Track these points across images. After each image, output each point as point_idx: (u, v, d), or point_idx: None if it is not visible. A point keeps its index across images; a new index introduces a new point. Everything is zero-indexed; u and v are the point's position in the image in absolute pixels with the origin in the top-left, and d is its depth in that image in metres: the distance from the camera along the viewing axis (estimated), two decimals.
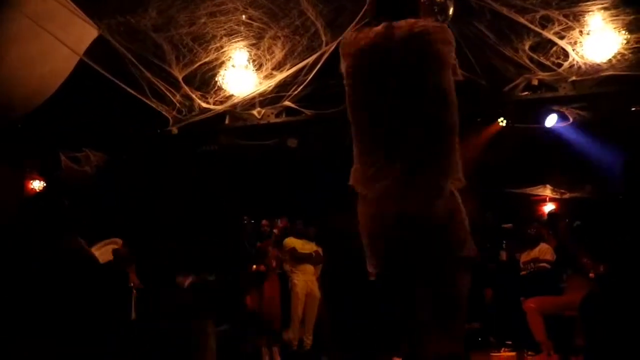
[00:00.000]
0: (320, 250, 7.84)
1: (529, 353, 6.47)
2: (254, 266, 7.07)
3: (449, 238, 1.91)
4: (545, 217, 9.29)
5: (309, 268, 7.64)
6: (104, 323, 2.14)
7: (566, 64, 5.95)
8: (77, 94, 6.23)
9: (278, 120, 7.01)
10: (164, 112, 6.56)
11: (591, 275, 6.26)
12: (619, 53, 5.66)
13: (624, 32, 5.45)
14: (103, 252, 2.70)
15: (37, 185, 7.86)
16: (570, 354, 6.15)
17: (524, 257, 7.31)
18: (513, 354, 7.05)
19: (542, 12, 5.17)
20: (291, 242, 7.65)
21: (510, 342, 7.19)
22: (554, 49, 5.80)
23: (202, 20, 5.34)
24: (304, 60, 5.87)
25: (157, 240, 7.52)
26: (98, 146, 7.43)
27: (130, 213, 7.32)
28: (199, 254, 7.32)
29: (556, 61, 5.97)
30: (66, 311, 2.03)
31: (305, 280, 7.58)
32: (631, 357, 3.33)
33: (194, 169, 8.35)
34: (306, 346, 7.57)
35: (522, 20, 5.22)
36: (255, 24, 5.46)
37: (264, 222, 7.76)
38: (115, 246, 2.73)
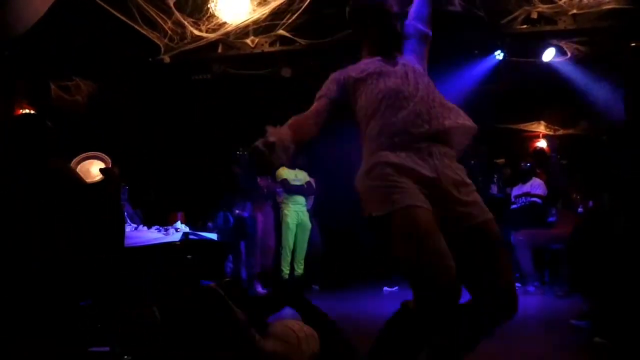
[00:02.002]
0: (312, 181, 7.90)
1: (516, 285, 6.62)
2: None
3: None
4: (532, 153, 9.36)
5: (300, 198, 7.72)
6: (96, 251, 2.14)
7: None
8: (66, 21, 6.06)
9: (272, 49, 6.89)
10: (155, 40, 6.41)
11: (580, 210, 6.35)
12: None
13: None
14: (84, 168, 2.50)
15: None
16: (556, 285, 6.31)
17: (516, 190, 7.38)
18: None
19: None
20: (283, 172, 7.68)
21: None
22: None
23: None
24: None
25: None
26: (89, 75, 7.29)
27: (123, 143, 7.28)
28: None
29: None
30: (54, 230, 2.03)
31: (296, 211, 7.66)
32: (614, 288, 3.42)
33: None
34: (298, 275, 7.73)
35: None
36: None
37: None
38: (101, 163, 2.52)
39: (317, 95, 2.39)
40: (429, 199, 2.08)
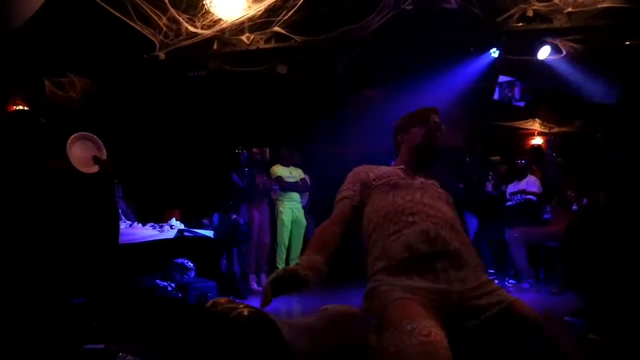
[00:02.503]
0: (307, 178, 7.90)
1: (511, 281, 6.65)
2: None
3: None
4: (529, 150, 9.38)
5: (295, 195, 7.72)
6: (93, 249, 2.13)
7: None
8: (60, 17, 6.03)
9: (267, 46, 6.87)
10: (149, 36, 6.38)
11: (574, 208, 6.37)
12: None
13: None
14: (78, 152, 2.46)
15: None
16: (550, 282, 6.33)
17: (511, 188, 7.39)
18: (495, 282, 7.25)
19: None
20: (277, 170, 7.68)
21: (492, 271, 7.39)
22: None
23: None
24: None
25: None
26: (83, 72, 7.26)
27: (119, 140, 7.25)
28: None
29: None
30: (53, 229, 2.02)
31: (291, 208, 7.67)
32: (609, 285, 3.43)
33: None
34: None
35: None
36: None
37: (255, 150, 7.75)
38: (94, 147, 2.47)
39: (340, 195, 2.42)
40: (445, 306, 2.00)
